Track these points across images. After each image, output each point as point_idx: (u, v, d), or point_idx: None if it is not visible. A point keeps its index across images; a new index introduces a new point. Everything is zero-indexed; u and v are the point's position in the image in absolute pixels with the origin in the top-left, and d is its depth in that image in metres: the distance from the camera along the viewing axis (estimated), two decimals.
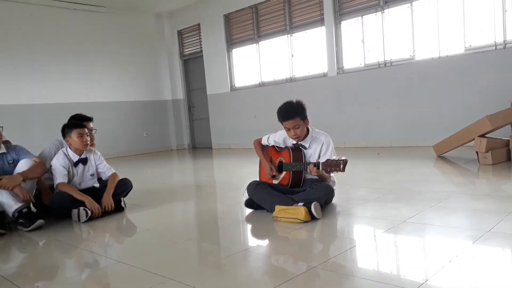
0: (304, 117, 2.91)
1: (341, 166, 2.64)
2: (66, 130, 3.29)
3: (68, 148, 3.33)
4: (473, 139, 4.37)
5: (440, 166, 4.59)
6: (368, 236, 2.37)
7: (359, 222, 2.73)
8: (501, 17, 5.41)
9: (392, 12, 6.40)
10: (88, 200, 3.13)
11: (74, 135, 3.25)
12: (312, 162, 2.81)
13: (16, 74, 7.64)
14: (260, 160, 3.25)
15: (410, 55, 6.28)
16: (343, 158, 2.66)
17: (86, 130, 3.34)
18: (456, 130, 4.76)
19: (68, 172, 3.26)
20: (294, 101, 2.94)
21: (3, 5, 7.47)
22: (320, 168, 2.72)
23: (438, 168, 4.55)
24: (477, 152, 4.35)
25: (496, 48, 5.49)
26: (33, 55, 7.83)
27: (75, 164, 3.30)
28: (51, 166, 3.26)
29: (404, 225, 2.42)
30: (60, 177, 3.19)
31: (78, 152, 3.32)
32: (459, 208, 2.76)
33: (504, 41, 5.42)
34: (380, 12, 6.49)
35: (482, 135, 4.33)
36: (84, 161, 3.35)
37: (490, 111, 4.46)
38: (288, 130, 2.93)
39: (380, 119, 6.64)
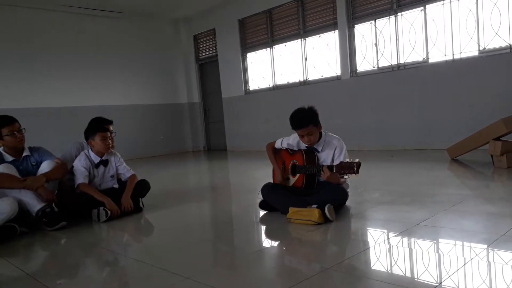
0: (317, 123, 2.89)
1: (355, 168, 2.62)
2: (90, 133, 3.35)
3: (90, 150, 3.38)
4: (488, 142, 4.33)
5: (454, 169, 4.55)
6: (382, 239, 2.35)
7: (373, 224, 2.73)
8: None
9: (405, 16, 6.37)
10: (107, 201, 3.18)
11: (97, 138, 3.31)
12: (326, 165, 2.81)
13: (35, 77, 7.78)
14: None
15: (424, 58, 6.24)
16: (357, 160, 2.65)
17: (109, 134, 3.39)
18: (470, 133, 4.72)
19: (89, 173, 3.32)
20: (306, 107, 2.91)
21: (23, 11, 7.64)
22: (334, 170, 2.72)
23: (452, 171, 4.50)
24: (491, 155, 4.30)
25: (511, 51, 5.42)
26: (52, 59, 7.96)
27: (96, 165, 3.36)
28: (72, 167, 3.32)
29: (417, 228, 2.41)
30: (81, 178, 3.25)
31: (100, 154, 3.38)
32: (473, 211, 2.73)
33: None
34: (393, 16, 6.46)
35: (497, 138, 4.28)
36: (105, 163, 3.41)
37: (505, 114, 4.41)
38: (302, 137, 2.92)
39: (393, 122, 6.59)
